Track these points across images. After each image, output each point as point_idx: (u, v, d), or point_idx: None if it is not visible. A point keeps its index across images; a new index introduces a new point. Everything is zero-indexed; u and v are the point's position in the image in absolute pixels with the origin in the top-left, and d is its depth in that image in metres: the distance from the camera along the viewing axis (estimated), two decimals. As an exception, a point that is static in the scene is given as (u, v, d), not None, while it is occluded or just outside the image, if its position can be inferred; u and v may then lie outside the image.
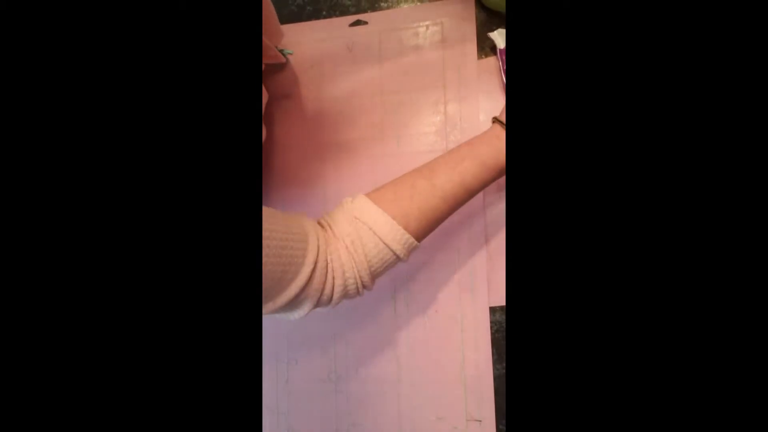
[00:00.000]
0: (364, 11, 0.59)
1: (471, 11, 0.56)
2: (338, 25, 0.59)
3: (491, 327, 0.51)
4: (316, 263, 0.34)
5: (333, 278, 0.36)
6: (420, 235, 0.39)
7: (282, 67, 0.59)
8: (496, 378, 0.50)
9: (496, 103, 0.53)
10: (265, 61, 0.51)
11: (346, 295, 0.38)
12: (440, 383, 0.51)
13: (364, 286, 0.39)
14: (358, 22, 0.59)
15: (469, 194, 0.40)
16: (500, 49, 0.51)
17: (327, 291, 0.36)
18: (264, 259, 0.30)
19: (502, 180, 0.52)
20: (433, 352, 0.52)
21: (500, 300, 0.51)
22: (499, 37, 0.52)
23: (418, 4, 0.58)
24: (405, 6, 0.58)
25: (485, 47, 0.55)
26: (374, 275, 0.39)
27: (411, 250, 0.39)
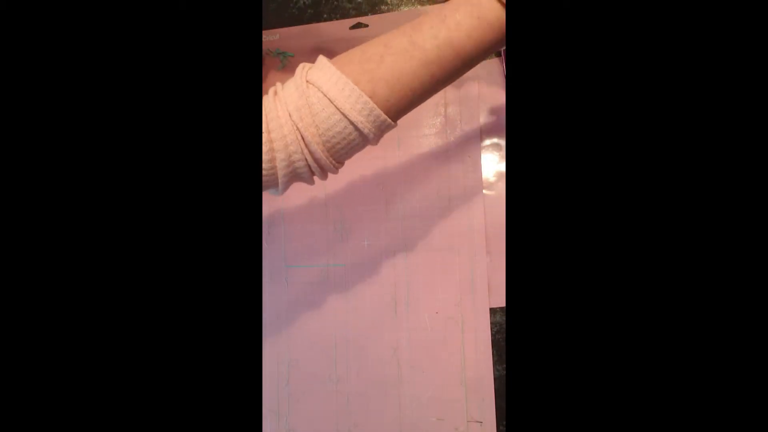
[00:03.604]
0: (365, 14, 0.59)
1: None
2: (339, 27, 0.59)
3: (492, 328, 0.51)
4: None
5: (273, 152, 0.30)
6: (392, 109, 0.31)
7: (282, 69, 0.59)
8: (496, 379, 0.50)
9: (497, 105, 0.54)
10: None
11: (296, 174, 0.32)
12: (441, 384, 0.51)
13: (319, 166, 0.32)
14: (358, 25, 0.59)
15: (461, 58, 0.30)
16: (503, 49, 0.52)
17: (266, 168, 0.30)
18: None
19: (503, 177, 0.52)
20: (433, 354, 0.52)
21: (500, 301, 0.51)
22: None
23: (419, 7, 0.58)
24: (405, 9, 0.58)
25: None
26: (334, 153, 0.31)
27: (382, 129, 0.31)
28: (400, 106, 0.31)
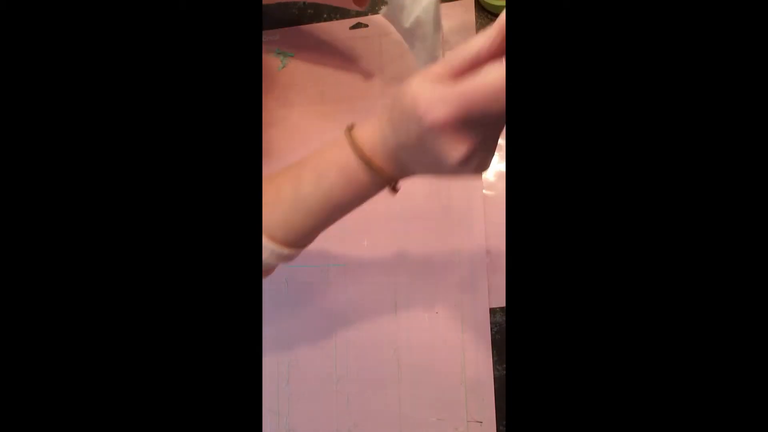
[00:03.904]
0: (365, 14, 0.59)
1: (471, 14, 0.56)
2: (339, 27, 0.59)
3: (491, 328, 0.51)
4: None
5: None
6: (292, 243, 0.35)
7: (283, 69, 0.60)
8: (496, 379, 0.50)
9: (497, 105, 0.53)
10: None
11: None
12: (441, 384, 0.51)
13: None
14: (358, 25, 0.59)
15: (340, 209, 0.34)
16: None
17: None
18: None
19: (504, 178, 0.52)
20: (433, 354, 0.52)
21: (500, 301, 0.51)
22: None
23: (419, 6, 0.58)
24: (405, 8, 0.58)
25: (485, 49, 0.55)
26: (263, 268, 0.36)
27: (289, 257, 0.36)
28: (299, 240, 0.35)
